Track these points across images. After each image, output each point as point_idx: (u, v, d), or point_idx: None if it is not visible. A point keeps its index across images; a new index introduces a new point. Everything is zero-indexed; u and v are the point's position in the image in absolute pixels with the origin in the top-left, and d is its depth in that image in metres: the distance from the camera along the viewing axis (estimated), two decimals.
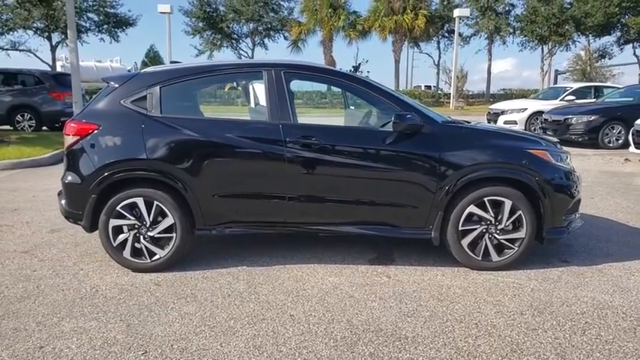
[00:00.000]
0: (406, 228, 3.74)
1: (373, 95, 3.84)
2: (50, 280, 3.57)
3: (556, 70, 32.39)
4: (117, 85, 3.80)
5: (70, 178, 3.73)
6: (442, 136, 3.68)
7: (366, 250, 4.16)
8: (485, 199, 3.64)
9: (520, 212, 3.64)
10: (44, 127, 13.35)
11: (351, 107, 5.42)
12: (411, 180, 3.64)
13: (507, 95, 33.83)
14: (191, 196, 3.64)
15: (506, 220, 3.66)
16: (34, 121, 13.10)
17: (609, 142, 10.85)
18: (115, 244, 3.68)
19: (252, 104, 5.29)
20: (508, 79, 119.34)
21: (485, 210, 3.65)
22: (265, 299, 3.26)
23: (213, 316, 3.03)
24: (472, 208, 3.65)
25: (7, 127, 12.92)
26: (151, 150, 3.61)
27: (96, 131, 3.66)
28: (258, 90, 5.42)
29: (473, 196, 3.63)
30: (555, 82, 28.20)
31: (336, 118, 5.48)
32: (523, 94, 30.01)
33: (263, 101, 5.29)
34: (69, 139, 3.73)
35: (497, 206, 3.65)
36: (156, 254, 3.70)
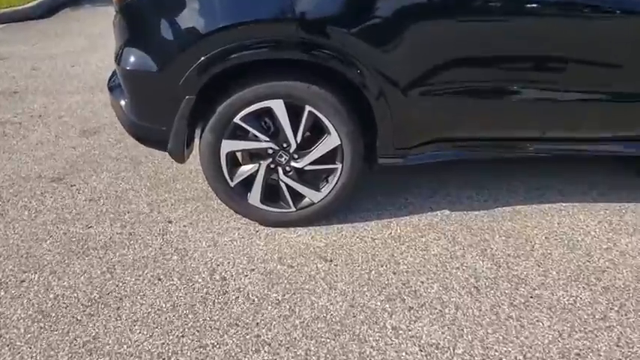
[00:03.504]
0: None
1: None
2: (128, 251, 1.99)
3: None
4: None
5: (133, 60, 1.89)
6: None
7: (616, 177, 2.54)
8: None
9: None
10: None
11: None
12: None
13: None
14: (375, 94, 1.88)
15: None
16: None
17: None
18: (232, 183, 2.02)
19: None
20: None
21: None
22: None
23: None
24: None
25: None
26: (302, 5, 1.75)
27: None
28: None
29: None
30: None
31: None
32: None
33: None
34: None
35: None
36: (304, 198, 2.08)
